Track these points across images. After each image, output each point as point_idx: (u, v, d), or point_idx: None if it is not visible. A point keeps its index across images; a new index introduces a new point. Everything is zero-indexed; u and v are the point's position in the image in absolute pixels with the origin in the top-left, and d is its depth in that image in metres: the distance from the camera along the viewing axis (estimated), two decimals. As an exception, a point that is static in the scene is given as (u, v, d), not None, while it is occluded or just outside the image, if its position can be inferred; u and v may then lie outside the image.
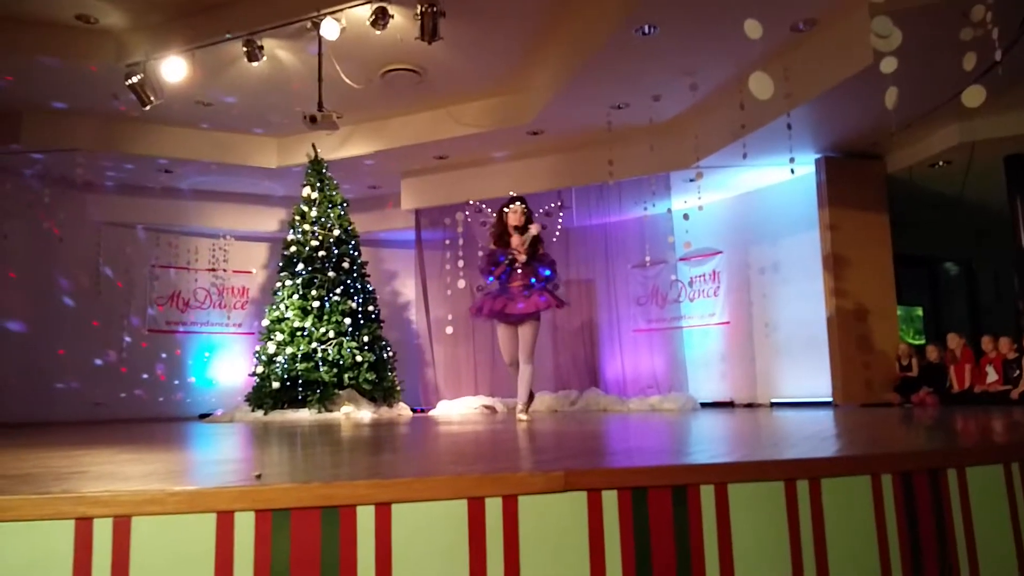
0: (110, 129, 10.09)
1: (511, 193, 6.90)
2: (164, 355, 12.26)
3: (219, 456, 3.29)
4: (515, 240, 6.52)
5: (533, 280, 6.51)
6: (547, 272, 6.60)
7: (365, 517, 1.83)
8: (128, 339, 11.87)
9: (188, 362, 12.46)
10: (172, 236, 12.46)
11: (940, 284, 14.50)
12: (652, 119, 9.54)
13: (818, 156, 9.96)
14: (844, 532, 2.13)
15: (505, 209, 6.65)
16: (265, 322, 10.32)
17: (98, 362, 11.49)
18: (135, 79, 8.24)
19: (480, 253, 6.55)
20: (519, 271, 6.54)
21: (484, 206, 10.51)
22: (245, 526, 1.76)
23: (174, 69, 8.27)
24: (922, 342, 12.34)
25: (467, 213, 10.90)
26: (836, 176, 9.93)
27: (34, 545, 1.67)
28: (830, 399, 9.79)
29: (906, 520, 2.20)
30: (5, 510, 1.68)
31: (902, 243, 10.39)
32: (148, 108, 8.60)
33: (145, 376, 11.99)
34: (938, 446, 2.77)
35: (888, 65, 4.83)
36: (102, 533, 1.70)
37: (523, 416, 6.55)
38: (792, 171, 8.93)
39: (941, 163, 9.97)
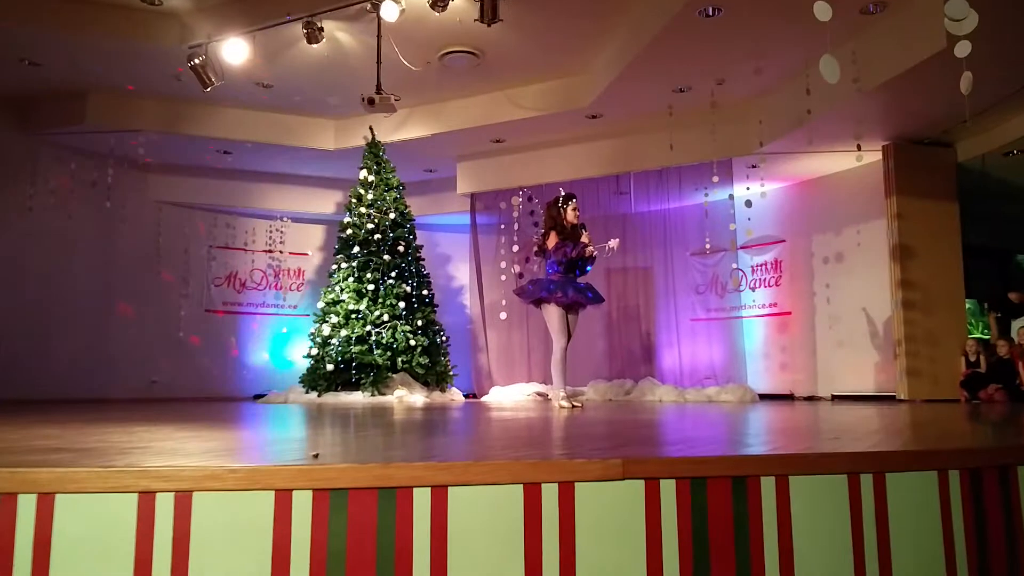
0: (172, 110, 10.28)
1: (561, 191, 7.19)
2: (220, 335, 12.50)
3: (276, 436, 3.33)
4: (586, 237, 6.91)
5: (578, 272, 7.00)
6: (588, 267, 7.09)
7: (421, 499, 1.83)
8: (185, 319, 12.11)
9: (243, 342, 12.69)
10: (230, 217, 12.69)
11: (1011, 277, 14.05)
12: (715, 103, 9.38)
13: (886, 143, 9.68)
14: (908, 528, 2.10)
15: (563, 205, 6.97)
16: (320, 304, 10.44)
17: (155, 341, 11.74)
18: (197, 61, 8.37)
19: (549, 239, 6.94)
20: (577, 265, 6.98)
21: (531, 196, 10.68)
22: (303, 504, 1.78)
23: (235, 51, 8.38)
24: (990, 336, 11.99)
25: (521, 197, 11.03)
26: (904, 164, 9.64)
27: (98, 516, 1.71)
28: (893, 394, 9.56)
29: (973, 518, 2.15)
30: (71, 482, 1.71)
31: (972, 234, 10.07)
32: (209, 90, 8.74)
33: (201, 356, 12.24)
34: (1008, 442, 2.67)
35: (962, 49, 4.67)
36: (164, 507, 1.73)
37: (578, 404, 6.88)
38: (859, 159, 8.71)
39: (1015, 151, 9.64)
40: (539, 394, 11.22)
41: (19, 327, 9.90)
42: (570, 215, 6.92)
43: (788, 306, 11.48)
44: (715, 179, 9.84)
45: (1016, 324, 9.71)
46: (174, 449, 2.41)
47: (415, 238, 10.97)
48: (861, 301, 10.35)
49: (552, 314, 6.79)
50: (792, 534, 2.00)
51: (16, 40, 8.38)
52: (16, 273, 10.12)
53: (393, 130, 10.71)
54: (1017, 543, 2.18)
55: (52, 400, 9.02)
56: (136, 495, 1.73)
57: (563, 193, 7.09)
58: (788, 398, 10.94)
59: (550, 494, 1.90)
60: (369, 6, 7.80)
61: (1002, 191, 10.92)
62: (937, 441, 2.77)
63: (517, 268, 11.16)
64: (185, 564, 1.71)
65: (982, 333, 12.19)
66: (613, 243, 6.91)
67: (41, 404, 7.82)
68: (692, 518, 1.96)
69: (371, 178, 10.67)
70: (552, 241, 6.87)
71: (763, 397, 10.68)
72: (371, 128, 10.63)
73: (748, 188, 10.25)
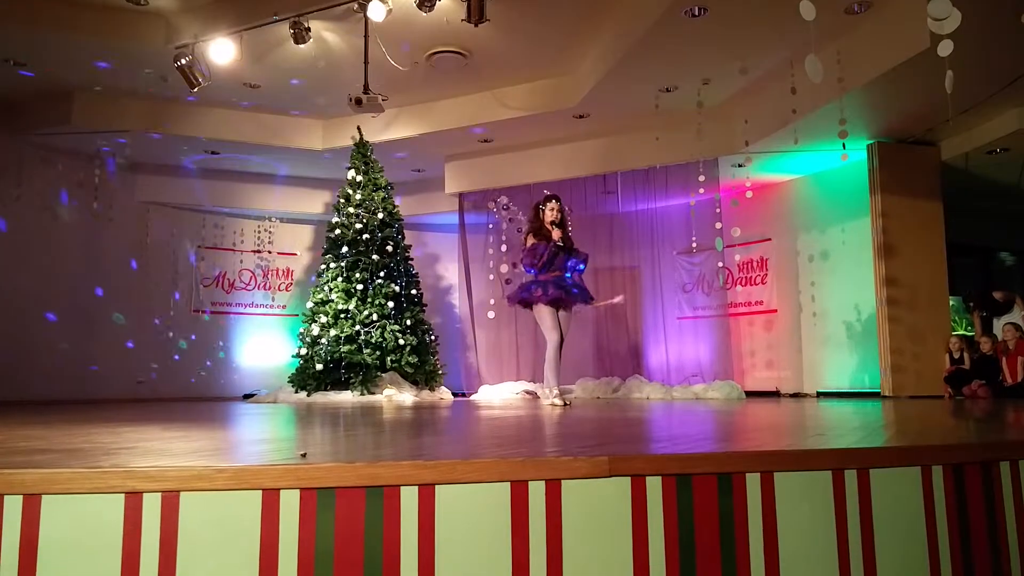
0: (158, 110, 10.22)
1: (545, 192, 7.40)
2: (209, 335, 12.45)
3: (264, 435, 3.33)
4: (556, 233, 6.98)
5: (568, 275, 7.05)
6: (581, 266, 7.16)
7: (409, 498, 1.83)
8: (174, 319, 12.06)
9: (233, 342, 12.65)
10: (218, 217, 12.65)
11: (995, 274, 14.14)
12: (701, 103, 9.41)
13: (870, 142, 9.72)
14: (892, 524, 2.09)
15: (542, 206, 7.09)
16: (309, 304, 10.42)
17: (144, 342, 11.68)
18: (183, 61, 8.33)
19: (527, 242, 7.09)
20: (556, 262, 7.04)
21: (511, 204, 10.84)
22: (290, 504, 1.77)
23: (222, 51, 8.34)
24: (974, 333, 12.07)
25: (503, 202, 11.17)
26: (889, 162, 9.69)
27: (85, 518, 1.70)
28: (878, 390, 9.62)
29: (956, 513, 2.16)
30: (57, 483, 1.70)
31: (956, 232, 10.11)
32: (196, 90, 8.70)
33: (190, 356, 12.18)
34: (991, 438, 2.70)
35: (945, 48, 4.69)
36: (151, 508, 1.72)
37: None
38: (843, 157, 8.75)
39: (999, 150, 9.69)
40: (528, 392, 11.23)
41: (4, 328, 9.84)
42: (548, 215, 7.02)
43: (774, 304, 11.53)
44: (701, 178, 9.87)
45: (1000, 322, 9.79)
46: (161, 449, 2.40)
47: (403, 238, 10.97)
48: (846, 298, 10.40)
49: (542, 313, 6.91)
50: (777, 530, 1.99)
51: (0, 41, 8.33)
52: (1, 274, 10.05)
53: (381, 130, 10.70)
54: (999, 538, 2.18)
55: (38, 401, 8.96)
56: (123, 496, 1.71)
57: (546, 194, 7.22)
58: (774, 395, 10.98)
59: (537, 492, 1.89)
60: (356, 6, 7.78)
61: (985, 189, 10.99)
62: (921, 437, 2.78)
63: (505, 272, 11.17)
64: (172, 565, 1.70)
65: (965, 330, 12.27)
66: (618, 299, 7.18)
67: (27, 405, 7.77)
68: (678, 515, 1.95)
69: (359, 178, 10.66)
70: (529, 244, 7.07)
71: (749, 394, 10.72)
72: (359, 128, 10.60)
73: (734, 187, 10.28)
